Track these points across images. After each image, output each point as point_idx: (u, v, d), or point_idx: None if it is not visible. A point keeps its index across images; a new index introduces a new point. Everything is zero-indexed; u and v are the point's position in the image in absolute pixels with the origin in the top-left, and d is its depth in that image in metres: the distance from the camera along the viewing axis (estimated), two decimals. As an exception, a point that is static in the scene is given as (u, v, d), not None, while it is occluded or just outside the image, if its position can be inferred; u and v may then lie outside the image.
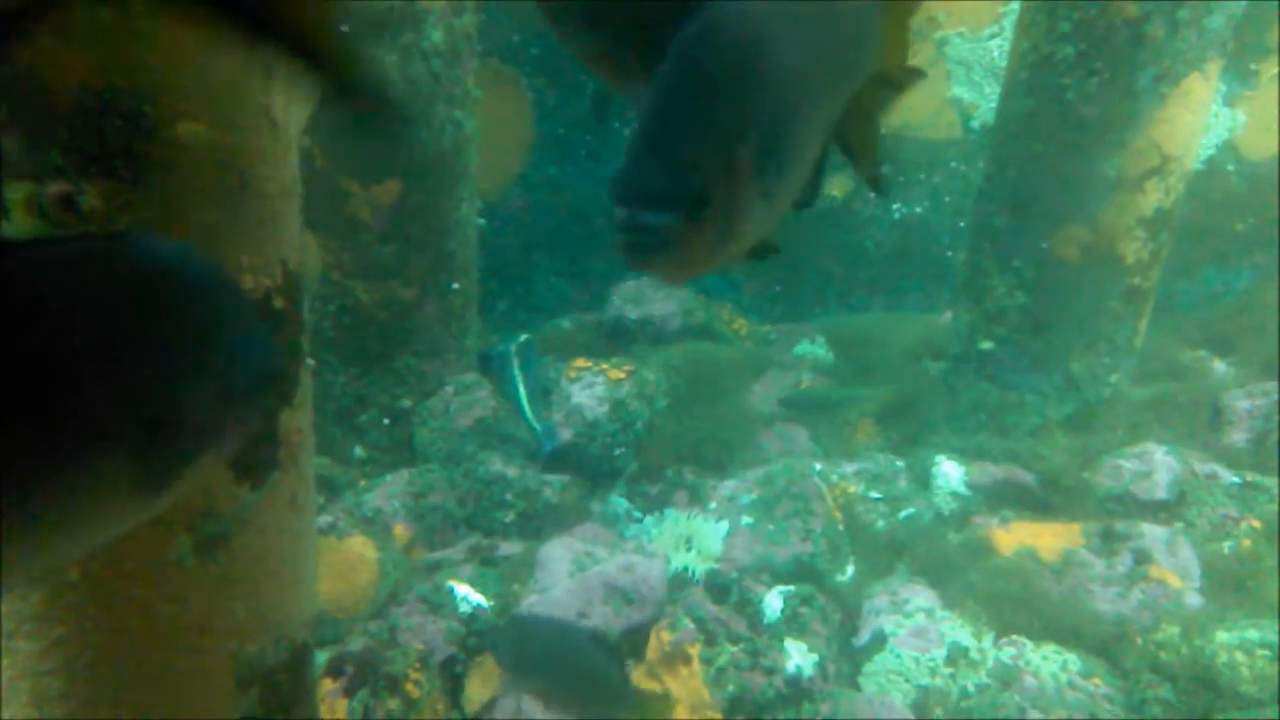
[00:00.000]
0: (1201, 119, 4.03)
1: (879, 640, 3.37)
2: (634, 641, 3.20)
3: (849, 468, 4.17)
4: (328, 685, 2.90)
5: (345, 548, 3.35)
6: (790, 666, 3.16)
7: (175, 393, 1.01)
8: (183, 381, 1.02)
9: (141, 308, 0.99)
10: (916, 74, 1.42)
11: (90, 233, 1.22)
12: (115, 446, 0.96)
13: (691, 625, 3.20)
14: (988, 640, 3.32)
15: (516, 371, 4.36)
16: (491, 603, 3.26)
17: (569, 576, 3.27)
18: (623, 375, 4.31)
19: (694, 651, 3.08)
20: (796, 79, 1.14)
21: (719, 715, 3.02)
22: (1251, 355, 4.70)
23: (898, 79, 1.40)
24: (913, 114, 5.65)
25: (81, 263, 0.97)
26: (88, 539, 1.02)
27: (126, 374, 0.97)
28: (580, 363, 4.40)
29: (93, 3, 1.26)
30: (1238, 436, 3.99)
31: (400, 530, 3.67)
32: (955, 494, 3.96)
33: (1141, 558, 3.42)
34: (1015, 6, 5.02)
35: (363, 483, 3.93)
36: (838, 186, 5.75)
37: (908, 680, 3.27)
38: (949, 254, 5.72)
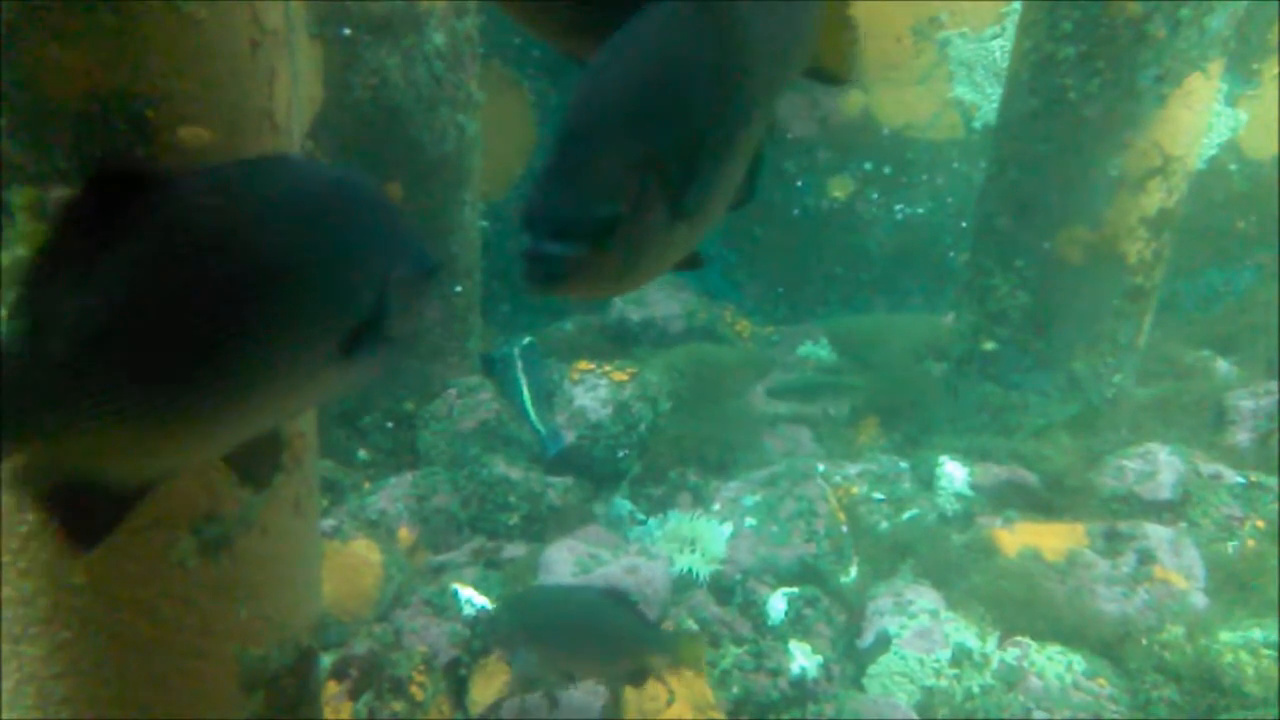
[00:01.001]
0: (1204, 118, 4.03)
1: (883, 641, 3.37)
2: (638, 643, 3.20)
3: (852, 469, 4.16)
4: (332, 688, 2.90)
5: (349, 551, 3.35)
6: (794, 668, 3.16)
7: (361, 285, 1.18)
8: (367, 274, 1.18)
9: (324, 215, 1.17)
10: (847, 77, 1.38)
11: (262, 157, 1.37)
12: (319, 334, 1.14)
13: (695, 627, 3.20)
14: (992, 641, 3.32)
15: (520, 374, 4.36)
16: (495, 605, 3.26)
17: (573, 578, 3.28)
18: (626, 377, 4.32)
19: (698, 653, 3.08)
20: (719, 94, 1.10)
21: (723, 717, 3.02)
22: (1255, 354, 4.69)
23: (829, 75, 1.35)
24: (915, 115, 5.66)
25: (270, 178, 1.16)
26: (299, 410, 1.30)
27: (322, 271, 1.14)
28: (583, 365, 4.41)
29: (95, 5, 1.27)
30: (1242, 436, 3.98)
31: (404, 533, 3.67)
32: (959, 495, 3.95)
33: (1146, 558, 3.42)
34: (1017, 7, 5.03)
35: (367, 485, 3.94)
36: (840, 188, 5.75)
37: (912, 681, 3.26)
38: (951, 255, 5.72)
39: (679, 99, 1.07)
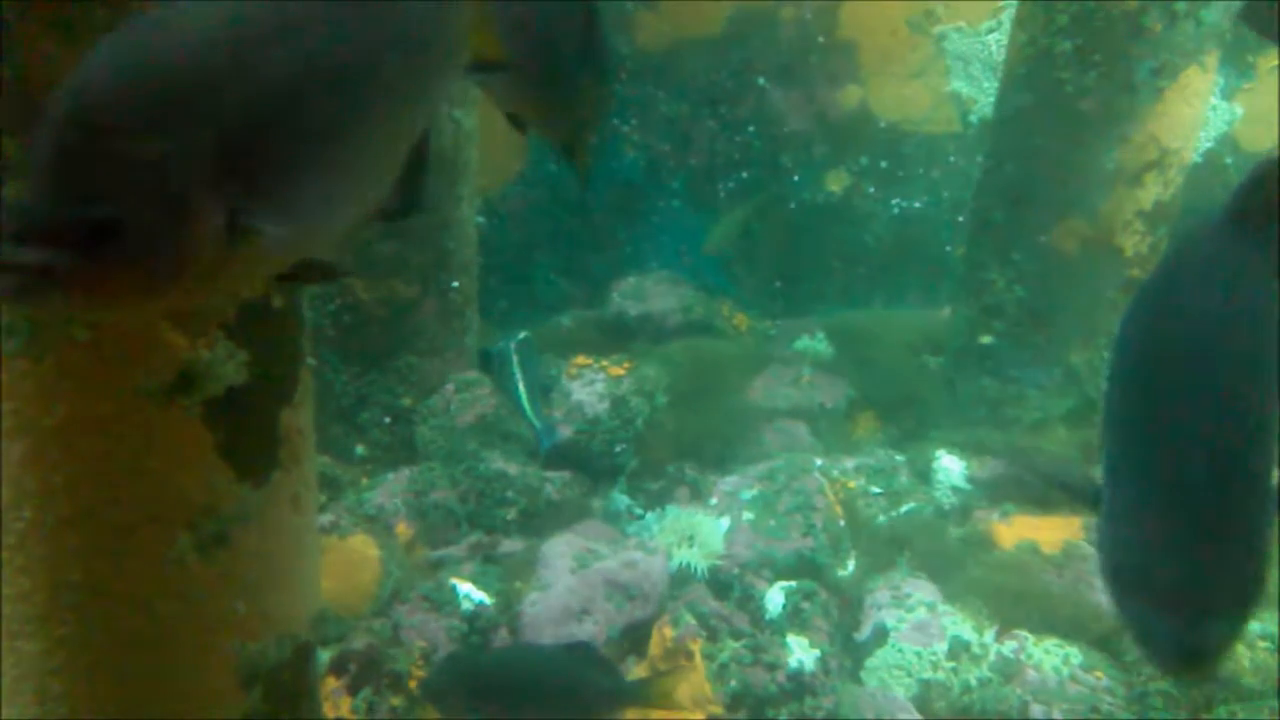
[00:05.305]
0: (1200, 112, 4.03)
1: (880, 635, 3.37)
2: (636, 638, 3.21)
3: (849, 463, 4.17)
4: (331, 683, 2.90)
5: (347, 546, 3.35)
6: (792, 662, 3.17)
7: None
8: None
9: None
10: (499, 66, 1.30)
11: None
12: None
13: (693, 621, 3.21)
14: (989, 634, 3.33)
15: (516, 369, 4.36)
16: (494, 600, 3.27)
17: (570, 573, 3.28)
18: (623, 372, 4.32)
19: (696, 648, 3.09)
20: (298, 85, 0.97)
21: (721, 711, 3.03)
22: (1251, 347, 4.69)
23: (488, 64, 1.29)
24: (911, 108, 5.65)
25: None
26: None
27: None
28: (580, 360, 4.41)
29: (91, 1, 1.26)
30: (1238, 429, 3.98)
31: (402, 528, 3.67)
32: (956, 488, 3.96)
33: (1142, 551, 3.42)
34: (1013, 1, 5.02)
35: (364, 481, 3.94)
36: (836, 182, 5.75)
37: (910, 674, 3.27)
38: (948, 249, 5.72)
39: (224, 83, 0.92)
